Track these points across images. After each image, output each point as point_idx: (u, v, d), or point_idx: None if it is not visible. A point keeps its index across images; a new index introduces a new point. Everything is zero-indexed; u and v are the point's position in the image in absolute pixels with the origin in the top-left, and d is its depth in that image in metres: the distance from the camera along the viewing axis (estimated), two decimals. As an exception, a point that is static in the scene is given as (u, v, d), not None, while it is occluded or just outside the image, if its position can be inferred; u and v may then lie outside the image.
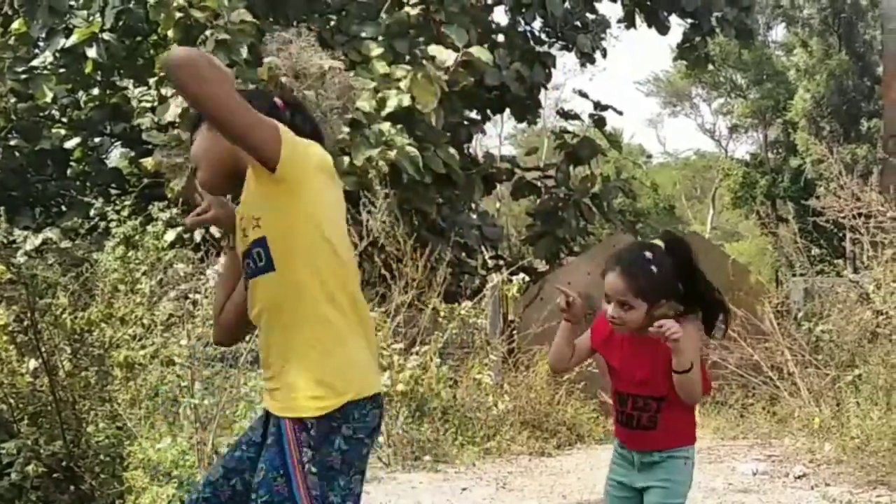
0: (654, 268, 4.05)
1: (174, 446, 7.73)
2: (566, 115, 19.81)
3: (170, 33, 13.54)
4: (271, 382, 3.29)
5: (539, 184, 18.39)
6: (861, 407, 9.52)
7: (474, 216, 17.67)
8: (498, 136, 47.51)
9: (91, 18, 14.39)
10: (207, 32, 12.90)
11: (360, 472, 3.27)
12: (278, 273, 3.24)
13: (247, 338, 8.85)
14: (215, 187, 3.59)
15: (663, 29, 19.20)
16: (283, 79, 12.61)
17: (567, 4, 18.09)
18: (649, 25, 19.24)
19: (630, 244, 4.41)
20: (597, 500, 8.15)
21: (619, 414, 4.20)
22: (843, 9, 35.75)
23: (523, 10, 17.64)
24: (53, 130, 16.22)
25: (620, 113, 19.25)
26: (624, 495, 4.21)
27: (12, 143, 15.74)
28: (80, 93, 16.07)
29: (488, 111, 18.37)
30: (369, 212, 10.83)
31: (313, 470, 3.16)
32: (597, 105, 18.75)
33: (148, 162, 13.58)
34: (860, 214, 11.52)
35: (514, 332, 12.43)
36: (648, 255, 4.08)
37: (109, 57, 14.33)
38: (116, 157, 18.09)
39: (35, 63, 14.31)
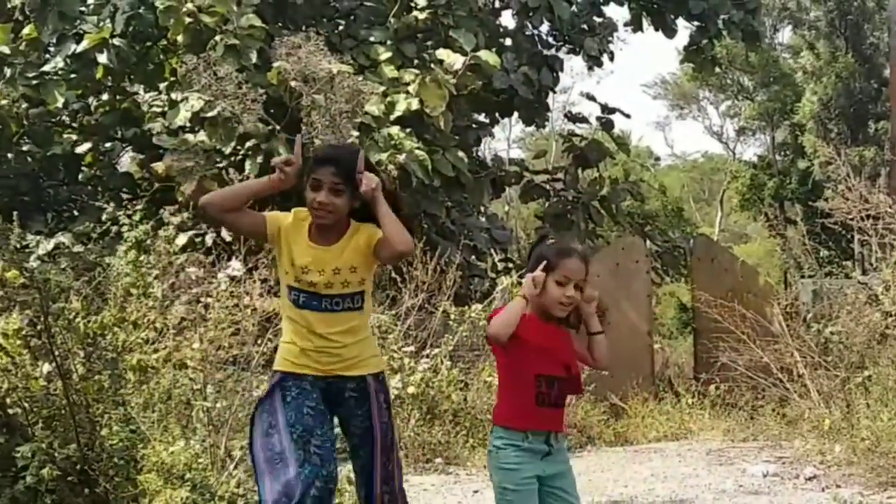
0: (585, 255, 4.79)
1: (187, 449, 7.74)
2: (574, 118, 19.82)
3: (179, 38, 13.59)
4: (350, 362, 4.93)
5: (547, 187, 18.39)
6: (871, 408, 9.52)
7: (483, 219, 17.70)
8: (506, 140, 47.64)
9: (101, 24, 14.41)
10: (217, 37, 12.94)
11: None
12: (364, 312, 5.02)
13: (259, 343, 8.92)
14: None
15: (670, 32, 19.21)
16: (292, 83, 12.65)
17: (574, 8, 18.10)
18: (656, 28, 19.25)
19: (560, 241, 4.88)
20: (607, 502, 8.18)
21: (543, 397, 4.49)
22: (850, 11, 35.70)
23: (531, 14, 17.65)
24: (65, 136, 16.25)
25: (628, 116, 19.23)
26: (534, 487, 4.46)
27: (24, 148, 15.77)
28: (91, 98, 16.08)
29: (496, 114, 18.37)
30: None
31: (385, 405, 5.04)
32: (604, 108, 18.76)
33: (159, 166, 13.62)
34: (868, 216, 11.53)
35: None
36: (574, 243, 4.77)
37: (120, 62, 14.36)
38: (127, 161, 18.13)
39: (46, 68, 14.33)
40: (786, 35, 43.78)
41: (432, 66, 14.20)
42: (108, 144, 16.87)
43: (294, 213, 5.00)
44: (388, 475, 5.01)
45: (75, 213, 15.61)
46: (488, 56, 14.41)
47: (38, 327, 6.30)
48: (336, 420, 5.07)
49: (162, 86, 15.09)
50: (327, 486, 4.78)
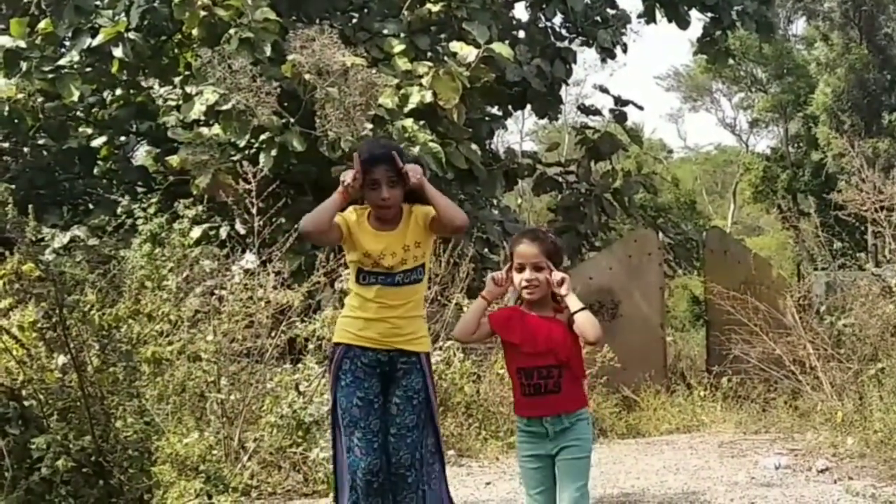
0: (552, 237, 5.02)
1: (201, 441, 7.81)
2: (587, 110, 19.83)
3: (194, 32, 13.61)
4: (408, 337, 5.44)
5: (560, 179, 18.40)
6: (884, 401, 9.51)
7: (496, 212, 17.69)
8: (519, 132, 47.64)
9: (116, 18, 14.45)
10: (231, 31, 12.96)
11: None
12: (423, 283, 5.52)
13: (273, 335, 8.96)
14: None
15: (683, 23, 19.15)
16: (306, 76, 12.67)
17: (587, 0, 18.08)
18: (669, 20, 19.19)
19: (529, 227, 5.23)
20: (619, 494, 8.20)
21: (525, 388, 4.86)
22: (863, 2, 35.53)
23: (544, 6, 17.65)
24: (80, 129, 16.29)
25: (641, 108, 19.22)
26: (537, 465, 4.87)
27: (40, 142, 15.83)
28: (106, 92, 16.12)
29: (509, 107, 18.37)
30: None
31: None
32: (617, 100, 18.75)
33: (173, 159, 13.66)
34: (882, 208, 11.52)
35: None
36: (545, 229, 5.11)
37: (135, 56, 14.39)
38: (142, 155, 18.14)
39: (62, 62, 14.35)
40: (800, 26, 43.69)
41: (446, 58, 14.21)
42: (122, 138, 16.92)
43: (352, 210, 5.49)
44: (405, 448, 5.42)
45: (90, 206, 15.65)
46: (501, 48, 14.40)
47: (54, 320, 6.33)
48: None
49: (176, 80, 15.12)
50: (367, 479, 5.31)
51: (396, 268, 5.40)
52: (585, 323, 4.79)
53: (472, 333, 5.03)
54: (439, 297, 11.20)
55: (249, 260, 9.40)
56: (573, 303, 4.81)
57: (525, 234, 5.07)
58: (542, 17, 18.16)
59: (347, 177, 5.34)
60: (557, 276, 4.81)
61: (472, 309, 5.04)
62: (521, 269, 4.89)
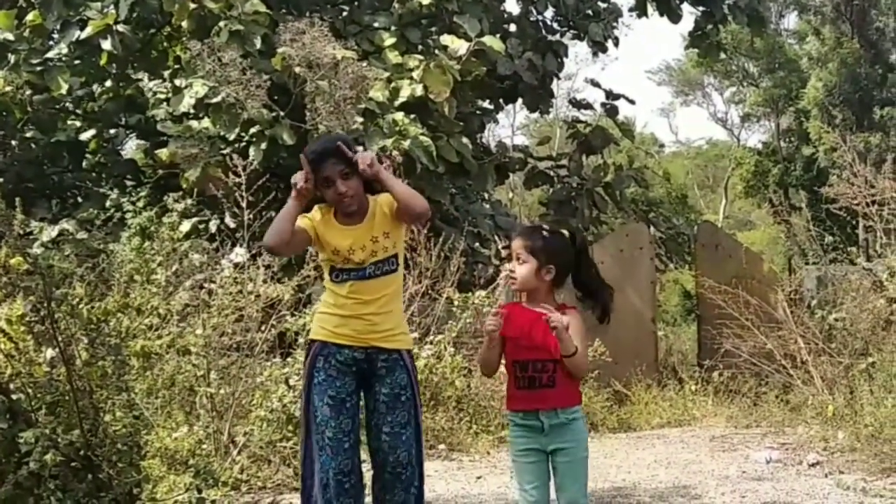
0: (546, 234, 4.98)
1: (191, 435, 7.78)
2: (578, 104, 19.76)
3: (184, 24, 13.54)
4: (385, 334, 5.30)
5: (552, 173, 18.36)
6: (875, 395, 9.51)
7: (487, 205, 17.66)
8: (510, 126, 47.66)
9: (105, 10, 14.39)
10: (221, 23, 12.91)
11: None
12: (398, 274, 5.39)
13: (263, 329, 8.93)
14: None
15: (675, 17, 19.11)
16: (297, 69, 12.63)
17: (579, -7, 18.04)
18: (661, 14, 19.15)
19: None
20: (610, 488, 8.19)
21: (520, 380, 4.87)
22: (856, -4, 35.59)
23: (535, 0, 17.61)
24: (69, 122, 16.24)
25: (633, 102, 19.18)
26: (532, 459, 4.86)
27: (28, 134, 15.76)
28: (95, 84, 16.07)
29: (501, 101, 18.33)
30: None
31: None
32: (609, 94, 18.71)
33: (163, 153, 13.61)
34: (873, 202, 11.52)
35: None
36: (545, 229, 5.06)
37: (124, 49, 14.30)
38: (131, 148, 18.11)
39: (50, 55, 14.29)
40: (791, 21, 43.80)
41: (436, 51, 14.16)
42: (111, 131, 16.86)
43: (316, 209, 5.41)
44: (401, 445, 5.32)
45: (79, 199, 15.61)
46: (493, 42, 14.36)
47: (42, 313, 6.29)
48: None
49: (166, 73, 15.06)
50: (338, 479, 5.21)
51: (367, 261, 5.30)
52: (570, 366, 4.79)
53: (498, 362, 5.01)
54: (430, 291, 11.17)
55: (239, 254, 9.37)
56: (562, 347, 4.74)
57: (522, 230, 5.19)
58: (534, 11, 18.10)
59: (298, 179, 5.23)
60: (553, 319, 4.70)
61: (489, 351, 4.95)
62: (510, 260, 5.00)
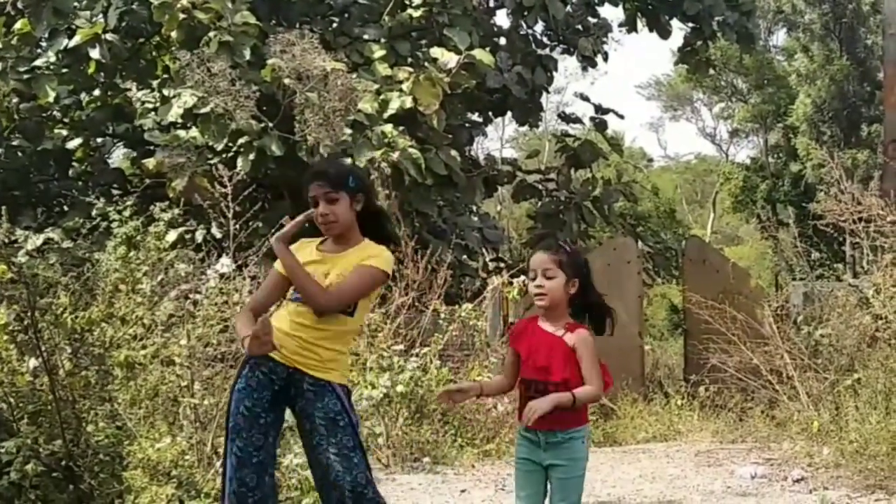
0: (567, 247, 4.91)
1: (174, 446, 7.73)
2: (567, 118, 19.84)
3: (173, 34, 13.56)
4: (313, 360, 5.13)
5: (540, 186, 18.40)
6: (860, 411, 9.51)
7: (475, 218, 17.69)
8: (499, 139, 47.59)
9: (94, 19, 14.40)
10: (211, 34, 12.91)
11: None
12: (354, 320, 5.25)
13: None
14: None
15: (665, 33, 19.21)
16: (286, 80, 12.64)
17: (569, 8, 18.10)
18: (651, 29, 19.25)
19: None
20: (595, 503, 8.17)
21: (524, 399, 4.84)
22: (844, 14, 35.72)
23: (525, 14, 17.64)
24: (56, 131, 16.22)
25: (621, 116, 19.29)
26: (529, 469, 4.92)
27: (15, 143, 15.74)
28: (83, 93, 16.07)
29: (490, 114, 18.39)
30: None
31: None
32: (598, 108, 18.78)
33: (150, 162, 13.60)
34: (860, 219, 11.52)
35: (514, 334, 12.43)
36: (563, 241, 5.00)
37: (112, 58, 14.32)
38: (118, 157, 18.08)
39: (38, 63, 14.29)
40: (780, 37, 43.81)
41: (426, 64, 14.19)
42: (99, 140, 16.85)
43: (300, 241, 5.39)
44: (356, 468, 5.13)
45: (65, 208, 15.59)
46: (482, 55, 14.40)
47: (25, 322, 6.28)
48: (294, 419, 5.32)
49: (154, 82, 15.05)
50: (240, 490, 5.10)
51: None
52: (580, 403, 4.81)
53: (512, 384, 5.10)
54: (416, 304, 11.16)
55: (225, 264, 9.33)
56: (560, 404, 4.70)
57: (542, 244, 4.99)
58: (524, 25, 18.17)
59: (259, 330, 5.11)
60: (533, 412, 4.66)
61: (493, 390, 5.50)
62: (533, 277, 4.83)
